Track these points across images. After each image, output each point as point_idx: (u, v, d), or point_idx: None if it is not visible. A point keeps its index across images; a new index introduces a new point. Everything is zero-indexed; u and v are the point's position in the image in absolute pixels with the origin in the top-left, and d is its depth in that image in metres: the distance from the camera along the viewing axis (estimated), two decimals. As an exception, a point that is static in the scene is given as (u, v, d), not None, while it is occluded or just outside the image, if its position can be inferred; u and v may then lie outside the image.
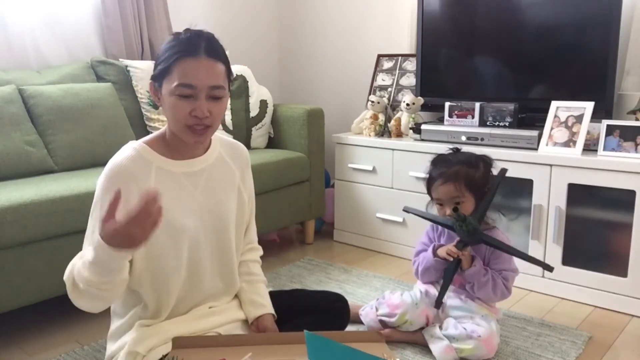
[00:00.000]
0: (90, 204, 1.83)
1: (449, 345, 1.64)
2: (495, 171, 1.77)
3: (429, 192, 1.79)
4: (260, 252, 1.66)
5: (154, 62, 1.37)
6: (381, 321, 1.79)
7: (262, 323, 1.51)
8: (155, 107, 2.52)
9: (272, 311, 1.54)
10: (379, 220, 2.68)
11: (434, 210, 1.80)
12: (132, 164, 1.33)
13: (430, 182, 1.77)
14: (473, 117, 2.40)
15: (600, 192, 2.08)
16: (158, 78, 1.34)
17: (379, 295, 1.87)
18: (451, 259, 1.68)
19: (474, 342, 1.63)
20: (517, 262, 1.74)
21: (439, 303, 1.69)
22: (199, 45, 1.30)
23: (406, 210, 1.83)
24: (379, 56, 3.01)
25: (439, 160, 1.78)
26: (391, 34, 3.04)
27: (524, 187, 2.20)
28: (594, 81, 2.22)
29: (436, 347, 1.66)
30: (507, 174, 2.11)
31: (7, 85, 2.19)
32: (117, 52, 2.69)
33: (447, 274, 1.70)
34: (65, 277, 1.26)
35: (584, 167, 2.05)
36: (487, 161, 1.76)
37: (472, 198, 1.71)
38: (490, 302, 1.76)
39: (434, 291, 1.78)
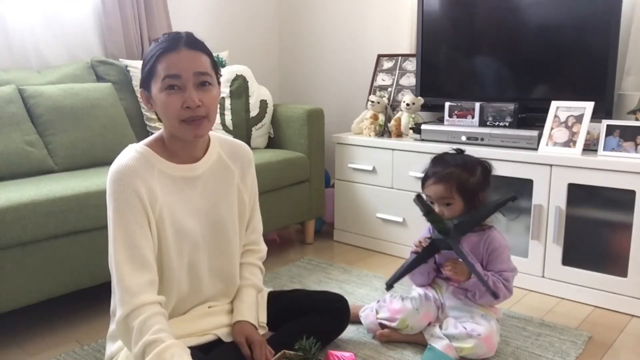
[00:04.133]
0: (90, 204, 1.85)
1: (449, 345, 1.64)
2: (496, 179, 1.74)
3: (423, 189, 1.78)
4: (260, 253, 1.64)
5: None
6: (381, 324, 1.79)
7: (241, 331, 1.46)
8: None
9: (250, 319, 1.49)
10: (379, 220, 2.68)
11: None
12: (137, 164, 1.34)
13: (424, 179, 1.76)
14: (473, 117, 2.40)
15: (600, 192, 2.08)
16: (146, 83, 1.35)
17: (379, 296, 1.86)
18: (419, 250, 1.67)
19: (474, 340, 1.63)
20: (516, 261, 1.73)
21: (389, 286, 1.68)
22: (179, 40, 1.33)
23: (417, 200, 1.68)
24: (379, 56, 3.01)
25: (437, 159, 1.76)
26: (391, 34, 3.04)
27: (524, 187, 2.20)
28: (594, 81, 2.22)
29: (436, 346, 1.66)
30: (507, 174, 2.09)
31: (7, 85, 2.19)
32: (117, 52, 2.68)
33: (407, 264, 1.68)
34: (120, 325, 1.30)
35: (584, 167, 2.05)
36: (486, 167, 1.73)
37: (462, 202, 1.68)
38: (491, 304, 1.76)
39: (432, 293, 1.78)
